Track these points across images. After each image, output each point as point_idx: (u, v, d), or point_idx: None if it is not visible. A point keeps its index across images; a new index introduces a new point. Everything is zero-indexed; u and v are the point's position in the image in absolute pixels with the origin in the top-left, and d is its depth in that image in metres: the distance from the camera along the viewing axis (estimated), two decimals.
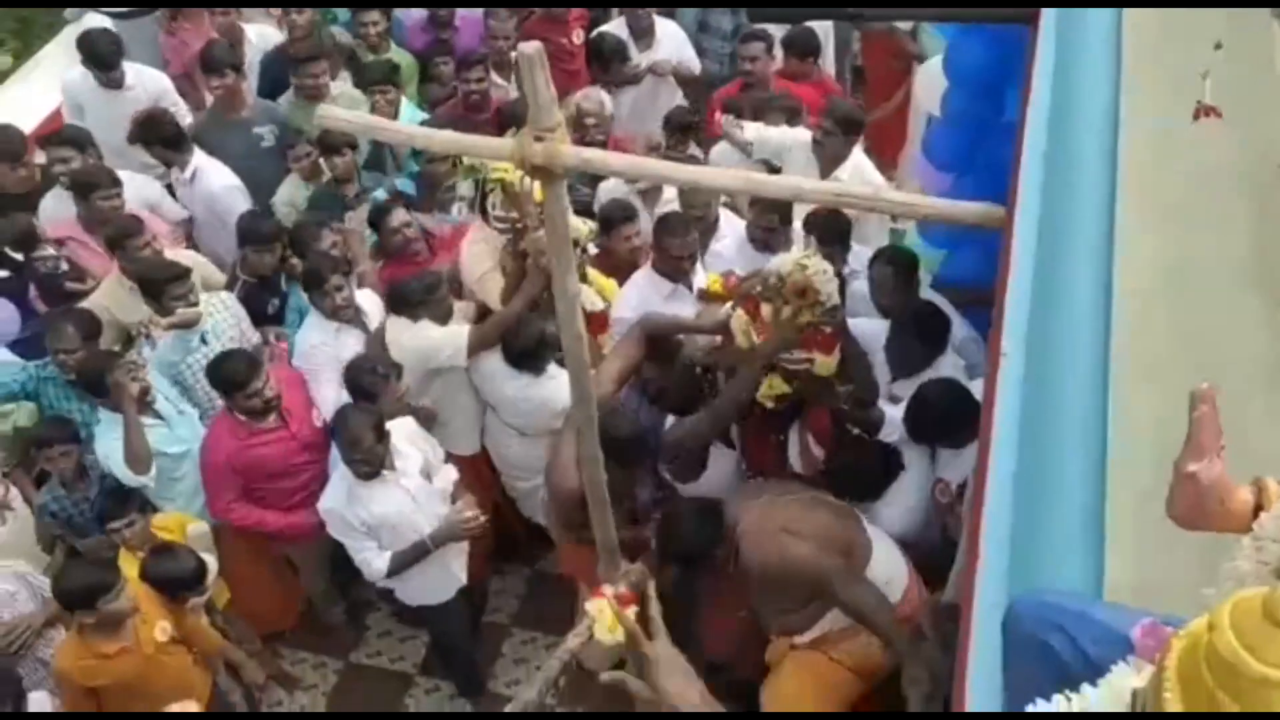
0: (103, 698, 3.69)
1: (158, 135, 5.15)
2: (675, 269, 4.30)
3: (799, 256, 3.59)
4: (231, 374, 4.12)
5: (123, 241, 4.62)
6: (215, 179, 5.19)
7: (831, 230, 4.26)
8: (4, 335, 4.66)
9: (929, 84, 5.03)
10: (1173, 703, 1.00)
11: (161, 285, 4.34)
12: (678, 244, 4.28)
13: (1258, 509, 1.48)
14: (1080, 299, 2.21)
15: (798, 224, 4.49)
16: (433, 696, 4.73)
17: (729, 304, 3.89)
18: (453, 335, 4.32)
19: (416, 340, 4.34)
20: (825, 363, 3.62)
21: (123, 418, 4.06)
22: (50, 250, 4.69)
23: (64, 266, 4.72)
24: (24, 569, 4.00)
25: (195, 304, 4.38)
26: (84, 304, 4.59)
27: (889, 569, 3.53)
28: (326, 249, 4.66)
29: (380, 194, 5.06)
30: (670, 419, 3.98)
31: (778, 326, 3.58)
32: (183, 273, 4.40)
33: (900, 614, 3.47)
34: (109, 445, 4.12)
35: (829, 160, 4.70)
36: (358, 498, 4.01)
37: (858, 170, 4.72)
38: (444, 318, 4.38)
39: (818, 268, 3.53)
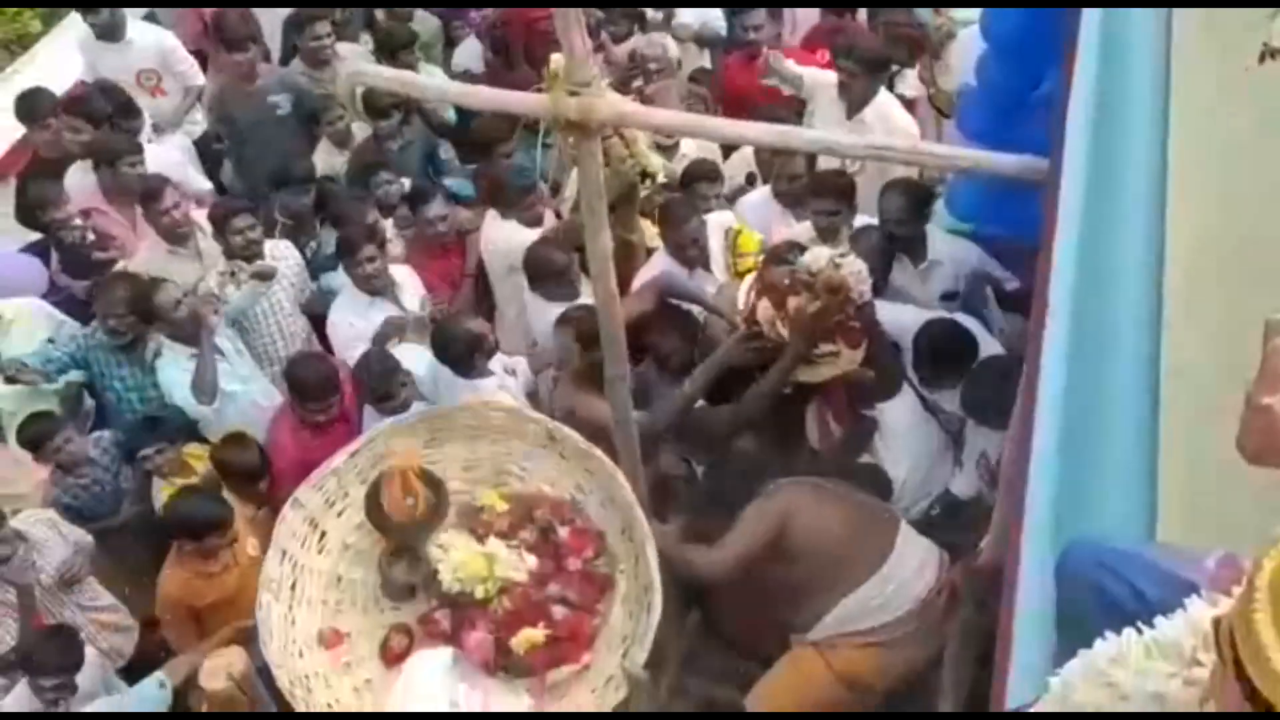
0: (205, 616, 3.82)
1: (87, 111, 5.06)
2: (683, 257, 4.20)
3: (833, 253, 3.57)
4: (315, 378, 4.10)
5: (147, 202, 4.63)
6: (161, 154, 5.15)
7: (832, 190, 4.20)
8: (32, 292, 4.68)
9: (965, 51, 4.92)
10: (1263, 622, 0.98)
11: (223, 220, 4.44)
12: (682, 232, 4.18)
13: None
14: (1131, 246, 2.19)
15: None
16: None
17: (748, 286, 3.83)
18: (532, 237, 4.44)
19: (502, 236, 4.55)
20: (850, 356, 3.59)
21: (199, 348, 4.19)
22: (78, 221, 4.72)
23: (90, 237, 4.73)
24: (54, 516, 4.05)
25: (259, 240, 4.46)
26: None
27: (906, 574, 3.45)
28: (362, 220, 4.67)
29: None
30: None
31: (808, 321, 3.54)
32: (245, 207, 4.50)
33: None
34: (172, 376, 4.21)
35: (855, 103, 4.61)
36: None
37: (882, 111, 4.63)
38: (533, 222, 4.55)
39: (852, 266, 3.51)
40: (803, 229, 4.25)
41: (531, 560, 2.69)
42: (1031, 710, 1.36)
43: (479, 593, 2.60)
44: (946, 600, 3.43)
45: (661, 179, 4.32)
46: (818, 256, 3.55)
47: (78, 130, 4.99)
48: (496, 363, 4.23)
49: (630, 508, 2.62)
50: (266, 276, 4.46)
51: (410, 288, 4.58)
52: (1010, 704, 1.77)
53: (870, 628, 3.41)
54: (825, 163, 4.42)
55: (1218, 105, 2.34)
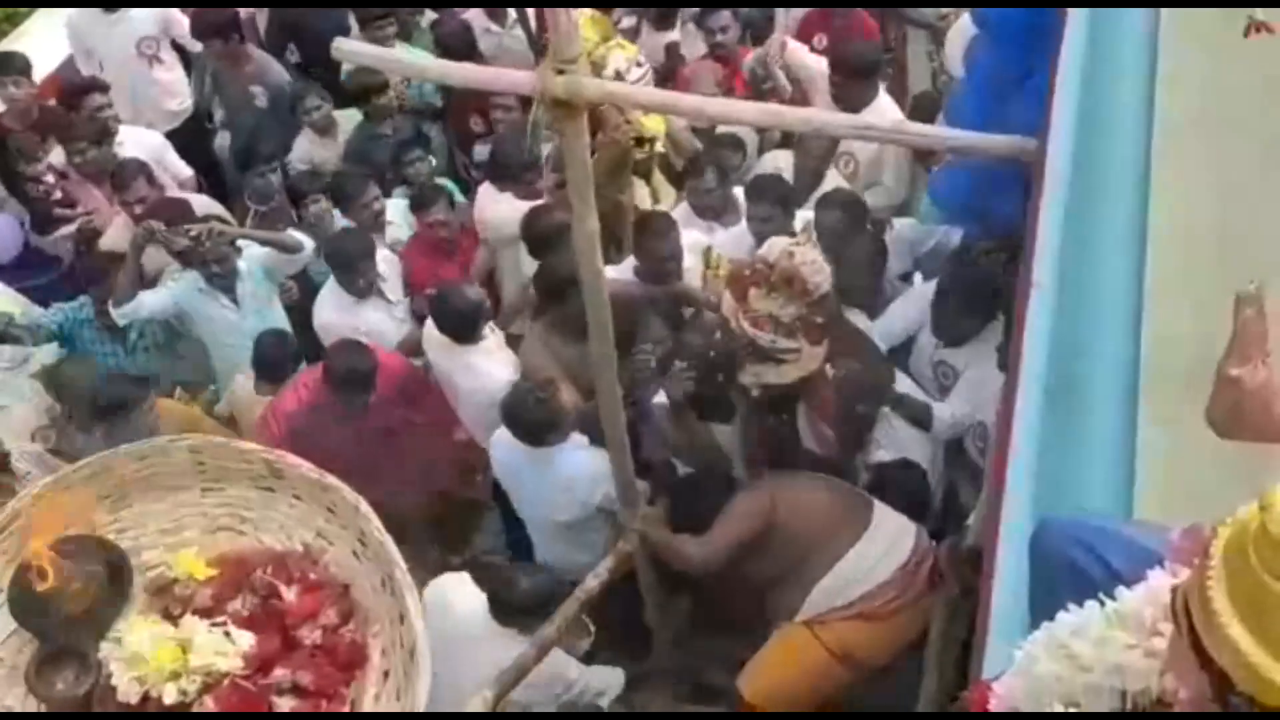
0: None
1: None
2: (659, 271, 4.07)
3: (788, 243, 3.48)
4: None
5: (117, 189, 4.63)
6: (142, 137, 5.10)
7: (769, 194, 4.13)
8: (4, 252, 4.69)
9: (957, 39, 4.89)
10: (1217, 591, 0.97)
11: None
12: (661, 245, 4.05)
13: None
14: (1115, 222, 2.18)
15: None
16: None
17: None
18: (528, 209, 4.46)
19: (498, 210, 4.52)
20: (812, 353, 3.50)
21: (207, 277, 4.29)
22: (49, 178, 4.72)
23: (57, 194, 4.73)
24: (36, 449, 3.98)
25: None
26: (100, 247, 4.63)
27: (882, 546, 3.46)
28: (369, 203, 4.68)
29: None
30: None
31: (769, 313, 3.45)
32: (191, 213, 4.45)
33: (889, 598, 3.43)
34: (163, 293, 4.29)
35: (850, 105, 4.54)
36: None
37: (881, 114, 4.58)
38: (529, 196, 4.53)
39: (805, 257, 3.41)
40: (728, 237, 4.27)
41: (246, 640, 2.02)
42: (997, 682, 1.35)
43: (170, 695, 1.94)
44: (929, 573, 3.44)
45: (660, 147, 4.30)
46: (773, 247, 3.49)
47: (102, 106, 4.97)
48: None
49: (383, 547, 2.02)
50: (291, 249, 4.43)
51: (394, 277, 4.54)
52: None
53: (851, 600, 3.44)
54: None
55: (1204, 81, 2.33)
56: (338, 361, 3.96)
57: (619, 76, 4.14)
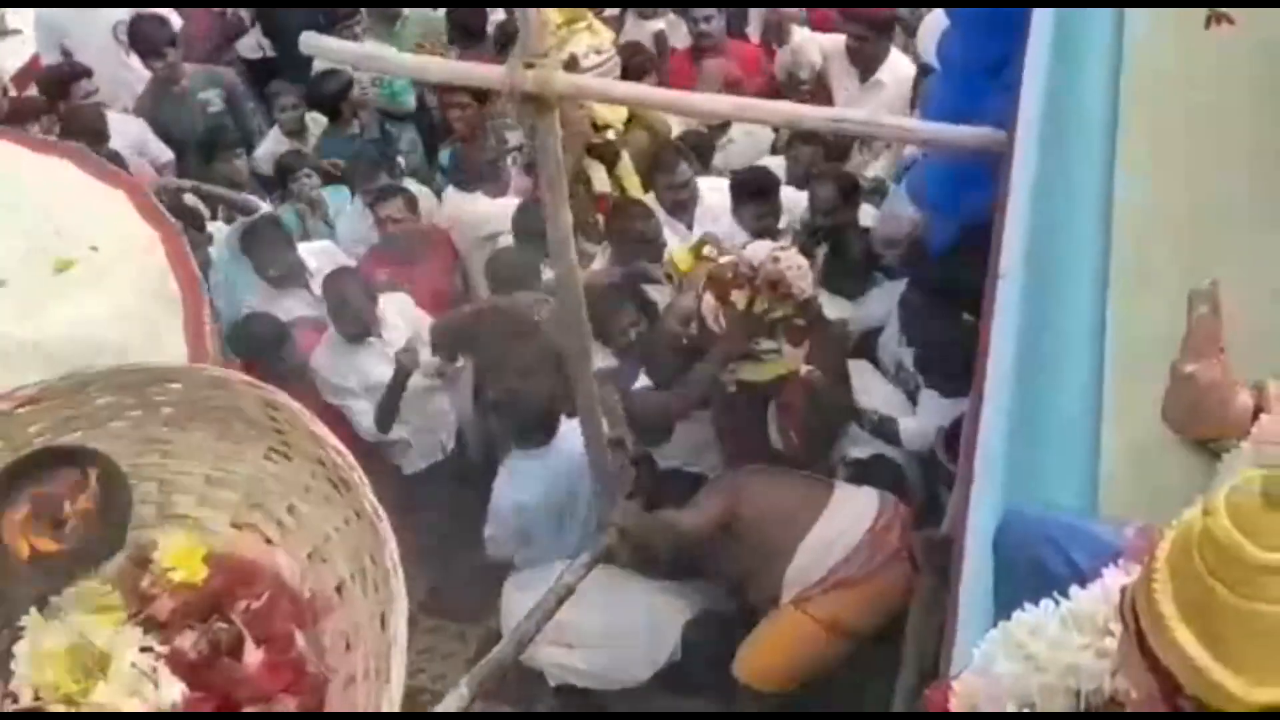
0: None
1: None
2: (635, 255, 4.13)
3: (773, 247, 3.55)
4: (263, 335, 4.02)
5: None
6: (122, 123, 5.05)
7: (755, 188, 4.17)
8: None
9: (927, 34, 4.89)
10: (1162, 593, 0.97)
11: None
12: (637, 228, 4.11)
13: (1257, 412, 1.44)
14: (1081, 214, 2.17)
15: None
16: (436, 635, 4.69)
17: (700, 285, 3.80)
18: (503, 208, 4.45)
19: (468, 209, 4.54)
20: (793, 354, 3.57)
21: None
22: None
23: None
24: None
25: (201, 216, 4.45)
26: None
27: (848, 515, 3.52)
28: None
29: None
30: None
31: (742, 315, 3.54)
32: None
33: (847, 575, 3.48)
34: None
35: (866, 64, 4.58)
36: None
37: (896, 72, 4.60)
38: (499, 193, 4.56)
39: (791, 261, 3.49)
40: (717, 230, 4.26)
41: (171, 694, 1.47)
42: (957, 680, 1.35)
43: (57, 708, 1.48)
44: (900, 535, 3.48)
45: (611, 134, 4.30)
46: (757, 250, 3.53)
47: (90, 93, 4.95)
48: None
49: (394, 641, 1.48)
50: (248, 210, 4.40)
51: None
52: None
53: (826, 574, 3.49)
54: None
55: (1170, 73, 2.33)
56: (243, 331, 4.00)
57: (574, 60, 4.11)
